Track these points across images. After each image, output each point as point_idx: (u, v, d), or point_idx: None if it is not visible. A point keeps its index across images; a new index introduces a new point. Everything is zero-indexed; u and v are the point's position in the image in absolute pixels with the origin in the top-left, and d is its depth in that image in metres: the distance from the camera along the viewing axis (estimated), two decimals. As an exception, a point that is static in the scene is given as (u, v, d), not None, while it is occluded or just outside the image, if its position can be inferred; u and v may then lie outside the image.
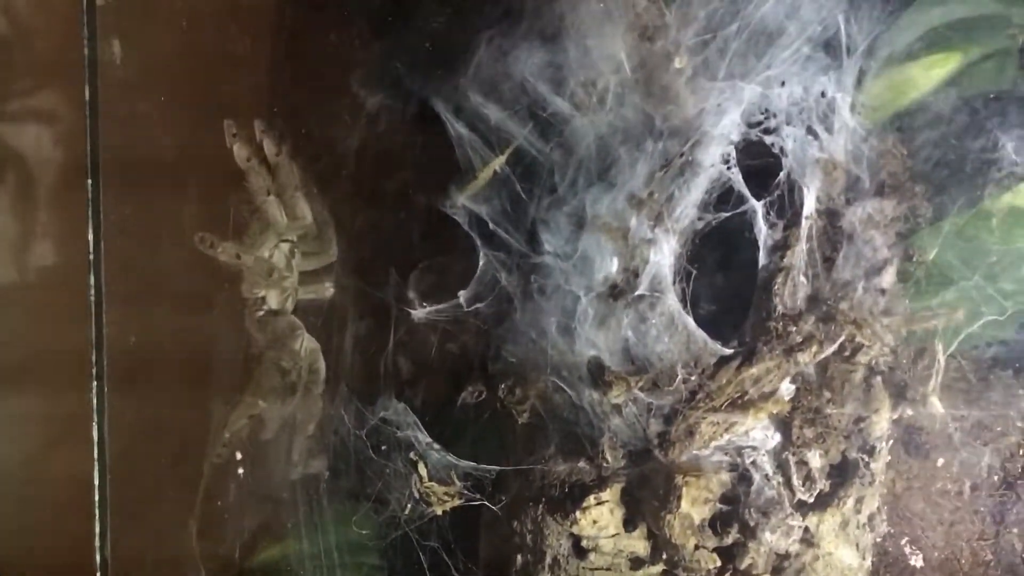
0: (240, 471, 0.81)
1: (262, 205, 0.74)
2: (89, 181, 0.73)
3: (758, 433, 0.69)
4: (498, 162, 0.70)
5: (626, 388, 0.67)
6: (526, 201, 0.69)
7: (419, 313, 0.73)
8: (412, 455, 0.72)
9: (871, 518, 0.71)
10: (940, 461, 0.74)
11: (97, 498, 0.74)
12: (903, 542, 0.77)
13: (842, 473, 0.69)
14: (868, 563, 0.73)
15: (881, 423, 0.69)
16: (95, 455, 0.73)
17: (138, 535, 0.78)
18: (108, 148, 0.73)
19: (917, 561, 0.77)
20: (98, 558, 0.75)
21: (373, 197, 0.73)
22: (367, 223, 0.73)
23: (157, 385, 0.78)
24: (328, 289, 0.78)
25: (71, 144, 0.73)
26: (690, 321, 0.67)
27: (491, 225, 0.70)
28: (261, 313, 0.77)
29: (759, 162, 0.65)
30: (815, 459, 0.68)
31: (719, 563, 0.68)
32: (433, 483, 0.73)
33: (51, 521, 0.76)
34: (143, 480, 0.78)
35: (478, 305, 0.72)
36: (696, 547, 0.68)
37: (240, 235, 0.75)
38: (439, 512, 0.73)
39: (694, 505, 0.68)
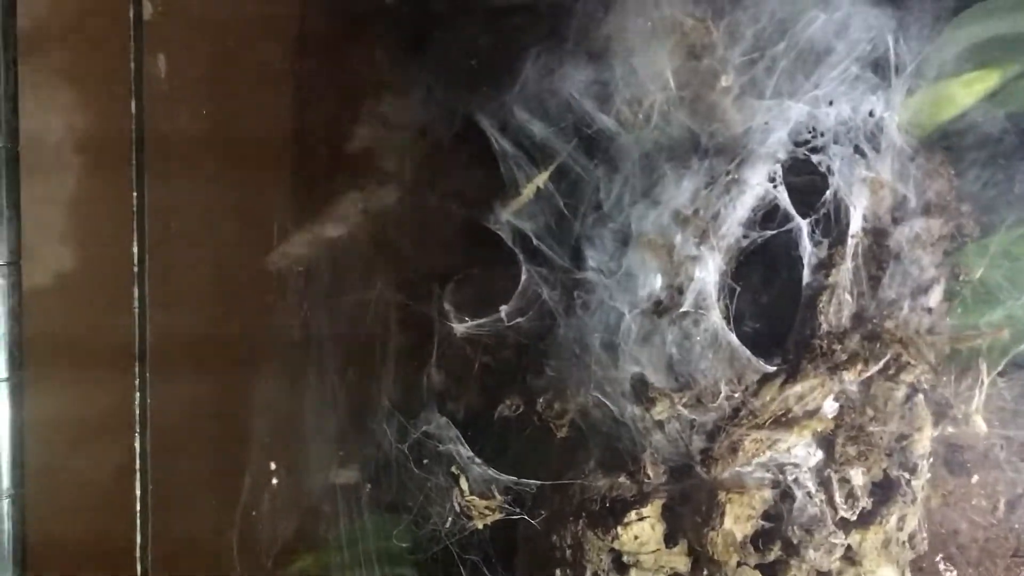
0: (274, 481, 0.81)
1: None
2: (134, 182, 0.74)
3: (800, 450, 0.69)
4: (541, 178, 0.70)
5: (670, 405, 0.68)
6: (570, 217, 0.69)
7: (460, 327, 0.73)
8: (454, 469, 0.73)
9: (911, 536, 0.71)
10: (975, 478, 0.75)
11: (139, 491, 0.74)
12: (937, 559, 0.77)
13: (884, 491, 0.69)
14: (906, 581, 0.73)
15: (923, 441, 0.69)
16: (136, 446, 0.74)
17: (178, 529, 0.78)
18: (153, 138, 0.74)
19: (952, 579, 0.77)
20: (139, 541, 0.75)
21: (417, 213, 0.73)
22: (410, 238, 0.74)
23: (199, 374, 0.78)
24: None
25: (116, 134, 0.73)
26: (734, 338, 0.67)
27: (535, 241, 0.70)
28: None
29: (805, 180, 0.66)
30: (857, 476, 0.68)
31: (762, 580, 0.68)
32: (474, 497, 0.73)
33: (91, 510, 0.77)
34: (184, 473, 0.78)
35: (519, 320, 0.73)
36: (738, 564, 0.68)
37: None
38: (480, 526, 0.73)
39: (737, 522, 0.68)
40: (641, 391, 0.68)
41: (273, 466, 0.80)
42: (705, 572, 0.70)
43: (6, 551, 0.70)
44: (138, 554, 0.76)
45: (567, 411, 0.74)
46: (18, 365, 0.71)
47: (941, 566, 0.77)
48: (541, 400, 0.74)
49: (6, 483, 0.70)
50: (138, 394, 0.75)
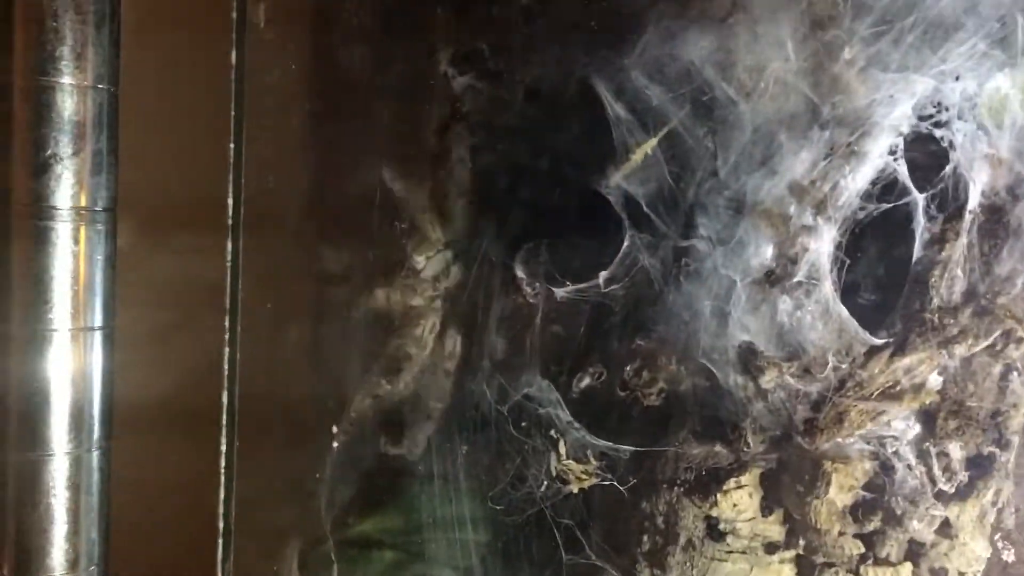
0: (334, 445, 0.81)
1: (418, 222, 0.75)
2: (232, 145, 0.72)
3: (899, 424, 0.70)
4: (651, 144, 0.70)
5: (778, 374, 0.68)
6: (681, 185, 0.69)
7: (561, 291, 0.73)
8: (552, 432, 0.72)
9: (1000, 511, 0.72)
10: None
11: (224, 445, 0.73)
12: (996, 537, 0.78)
13: (978, 466, 0.70)
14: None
15: (1018, 418, 0.70)
16: (224, 400, 0.72)
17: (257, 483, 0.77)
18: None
19: (1009, 556, 0.78)
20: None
21: (524, 175, 0.73)
22: (516, 200, 0.73)
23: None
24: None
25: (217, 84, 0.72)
26: (844, 310, 0.68)
27: (644, 207, 0.70)
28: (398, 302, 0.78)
29: (924, 154, 0.66)
30: (956, 450, 0.69)
31: (863, 549, 0.69)
32: (571, 461, 0.73)
33: (177, 456, 0.76)
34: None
35: (614, 287, 0.73)
36: (840, 533, 0.69)
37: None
38: (575, 490, 0.73)
39: (840, 491, 0.68)
40: (749, 359, 0.69)
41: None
42: (801, 542, 0.71)
43: (95, 502, 0.69)
44: (221, 495, 0.74)
45: (656, 380, 0.74)
46: (112, 315, 0.69)
47: (999, 544, 0.78)
48: (628, 368, 0.74)
49: (97, 434, 0.69)
50: (227, 349, 0.74)
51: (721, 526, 0.72)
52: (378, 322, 0.77)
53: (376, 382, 0.79)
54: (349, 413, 0.80)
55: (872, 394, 0.68)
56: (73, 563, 0.68)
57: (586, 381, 0.75)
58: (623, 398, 0.74)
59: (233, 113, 0.73)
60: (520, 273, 0.73)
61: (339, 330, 0.79)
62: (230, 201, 0.73)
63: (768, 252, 0.68)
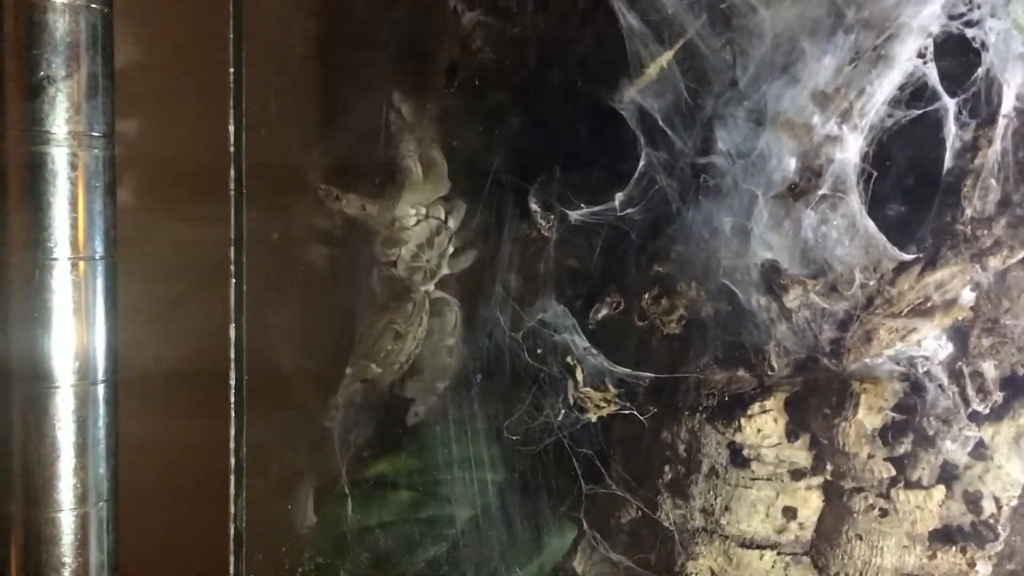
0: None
1: (402, 162, 0.72)
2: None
3: (930, 343, 0.67)
4: (667, 56, 0.67)
5: (803, 292, 0.65)
6: (698, 98, 0.66)
7: (575, 214, 0.70)
8: (569, 359, 0.70)
9: (1037, 434, 0.70)
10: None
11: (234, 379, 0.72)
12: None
13: (1014, 385, 0.67)
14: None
15: (1055, 336, 0.67)
16: (232, 335, 0.71)
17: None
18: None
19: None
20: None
21: (536, 93, 0.70)
22: (528, 120, 0.70)
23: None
24: (469, 260, 0.77)
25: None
26: (871, 224, 0.65)
27: (660, 121, 0.67)
28: (387, 273, 0.76)
29: (954, 57, 0.63)
30: (990, 370, 0.67)
31: (893, 472, 0.66)
32: (588, 388, 0.70)
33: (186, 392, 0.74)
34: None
35: (630, 210, 0.70)
36: (869, 456, 0.66)
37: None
38: (593, 419, 0.71)
39: (869, 413, 0.66)
40: (772, 278, 0.66)
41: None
42: (829, 466, 0.69)
43: (102, 435, 0.67)
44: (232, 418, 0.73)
45: (676, 307, 0.72)
46: (113, 245, 0.67)
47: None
48: (646, 296, 0.72)
49: (101, 373, 0.67)
50: (233, 281, 0.72)
51: (745, 452, 0.69)
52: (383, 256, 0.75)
53: (387, 324, 0.77)
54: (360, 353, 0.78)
55: (902, 311, 0.65)
56: (81, 498, 0.66)
57: (603, 312, 0.73)
58: (642, 327, 0.72)
59: (232, 36, 0.70)
60: (533, 196, 0.70)
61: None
62: (231, 127, 0.71)
63: (791, 165, 0.65)
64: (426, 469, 0.81)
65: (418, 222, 0.75)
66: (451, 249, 0.76)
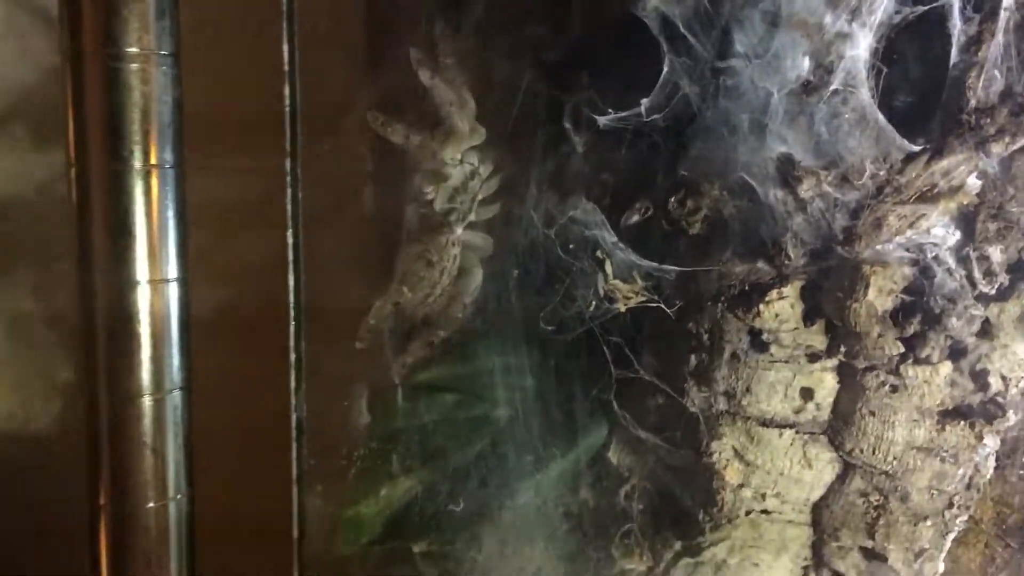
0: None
1: (446, 116, 0.78)
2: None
3: (939, 230, 0.71)
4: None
5: (816, 182, 0.70)
6: (718, 1, 0.71)
7: (603, 119, 0.75)
8: (599, 253, 0.76)
9: (1042, 315, 0.73)
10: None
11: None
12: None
13: (1020, 270, 0.71)
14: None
15: (1060, 222, 0.71)
16: (289, 239, 0.77)
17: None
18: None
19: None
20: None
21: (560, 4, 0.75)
22: (556, 27, 0.75)
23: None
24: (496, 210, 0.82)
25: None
26: (881, 117, 0.69)
27: (681, 27, 0.72)
28: (424, 210, 0.81)
29: (958, -45, 0.66)
30: (996, 254, 0.71)
31: (903, 349, 0.71)
32: (617, 281, 0.76)
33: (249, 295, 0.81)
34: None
35: (656, 116, 0.75)
36: (879, 335, 0.71)
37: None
38: (622, 309, 0.76)
39: (879, 295, 0.70)
40: (788, 170, 0.71)
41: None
42: (842, 348, 0.73)
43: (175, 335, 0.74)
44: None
45: (700, 208, 0.76)
46: (183, 154, 0.74)
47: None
48: (672, 200, 0.77)
49: (175, 270, 0.74)
50: (289, 191, 0.78)
51: (764, 336, 0.74)
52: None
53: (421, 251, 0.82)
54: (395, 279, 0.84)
55: (910, 198, 0.69)
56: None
57: (635, 218, 0.78)
58: (668, 229, 0.77)
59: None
60: (563, 101, 0.75)
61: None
62: (285, 48, 0.77)
63: (804, 63, 0.69)
64: (471, 375, 0.87)
65: (454, 167, 0.80)
66: (481, 196, 0.82)
